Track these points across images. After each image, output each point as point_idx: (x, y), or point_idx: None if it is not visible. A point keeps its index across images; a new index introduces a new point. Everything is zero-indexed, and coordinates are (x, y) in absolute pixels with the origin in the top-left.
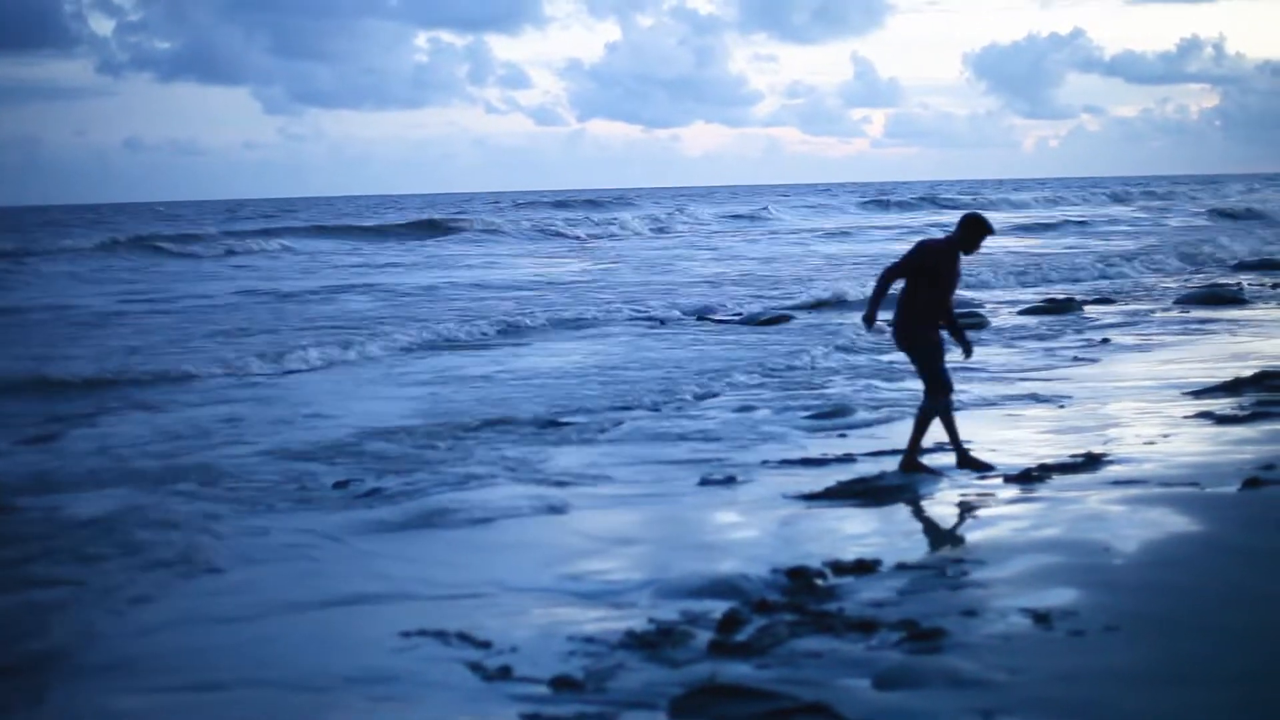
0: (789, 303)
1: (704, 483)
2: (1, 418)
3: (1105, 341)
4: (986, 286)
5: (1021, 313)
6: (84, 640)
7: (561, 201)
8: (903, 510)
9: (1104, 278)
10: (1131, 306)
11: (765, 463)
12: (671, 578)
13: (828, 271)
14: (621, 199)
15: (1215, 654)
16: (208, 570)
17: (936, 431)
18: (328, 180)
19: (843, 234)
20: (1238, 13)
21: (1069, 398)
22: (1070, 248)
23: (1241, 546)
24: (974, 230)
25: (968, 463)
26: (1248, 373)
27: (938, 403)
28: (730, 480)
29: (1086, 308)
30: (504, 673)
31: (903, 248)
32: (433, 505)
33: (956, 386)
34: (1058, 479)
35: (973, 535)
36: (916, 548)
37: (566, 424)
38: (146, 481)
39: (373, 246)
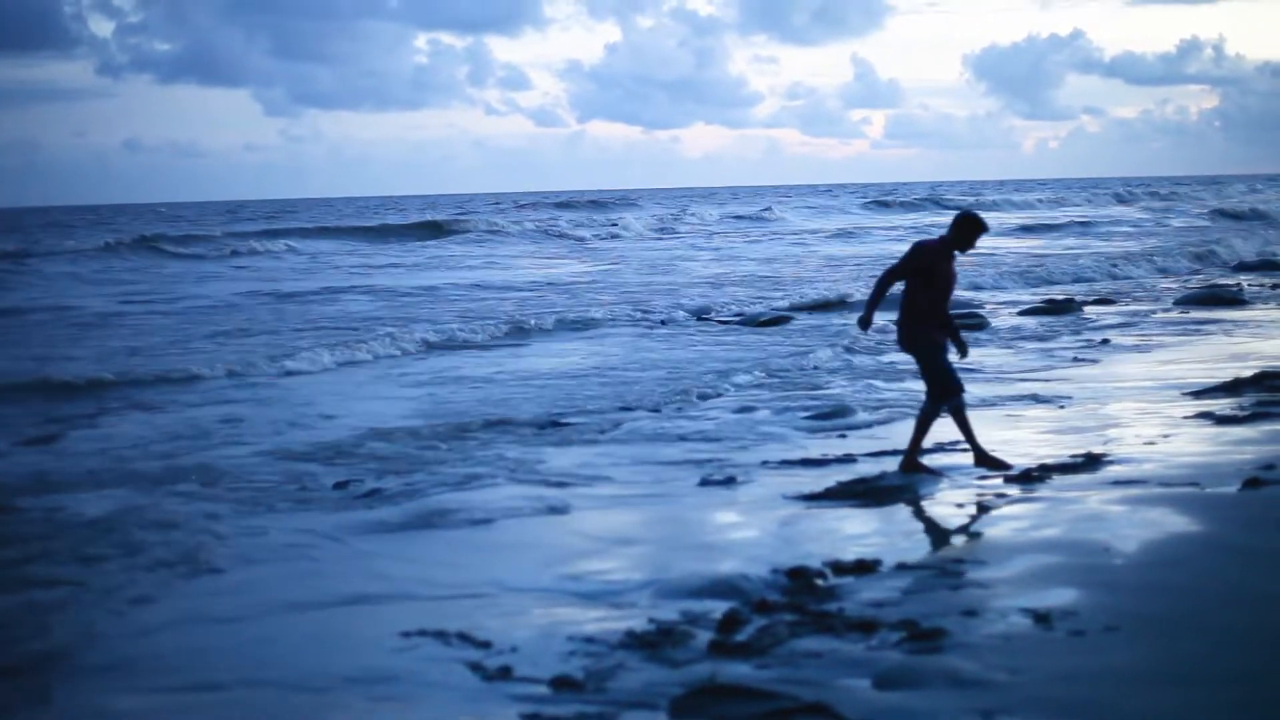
0: (790, 303)
1: (704, 483)
2: (2, 418)
3: (1105, 342)
4: (987, 287)
5: (1021, 313)
6: (84, 640)
7: (564, 202)
8: (903, 510)
9: (1111, 277)
10: (1131, 307)
11: (765, 463)
12: (672, 578)
13: (829, 272)
14: (624, 200)
15: (1215, 654)
16: (208, 570)
17: (936, 432)
18: (328, 182)
19: (848, 234)
20: (1237, 14)
21: (1069, 398)
22: (1071, 248)
23: (1241, 547)
24: (968, 229)
25: (985, 461)
26: (1248, 373)
27: (949, 403)
28: (730, 481)
29: (1086, 308)
30: (504, 673)
31: (908, 248)
32: (433, 505)
33: None
34: (1058, 479)
35: (973, 535)
36: (917, 548)
37: (567, 424)
38: (146, 482)
39: (373, 247)
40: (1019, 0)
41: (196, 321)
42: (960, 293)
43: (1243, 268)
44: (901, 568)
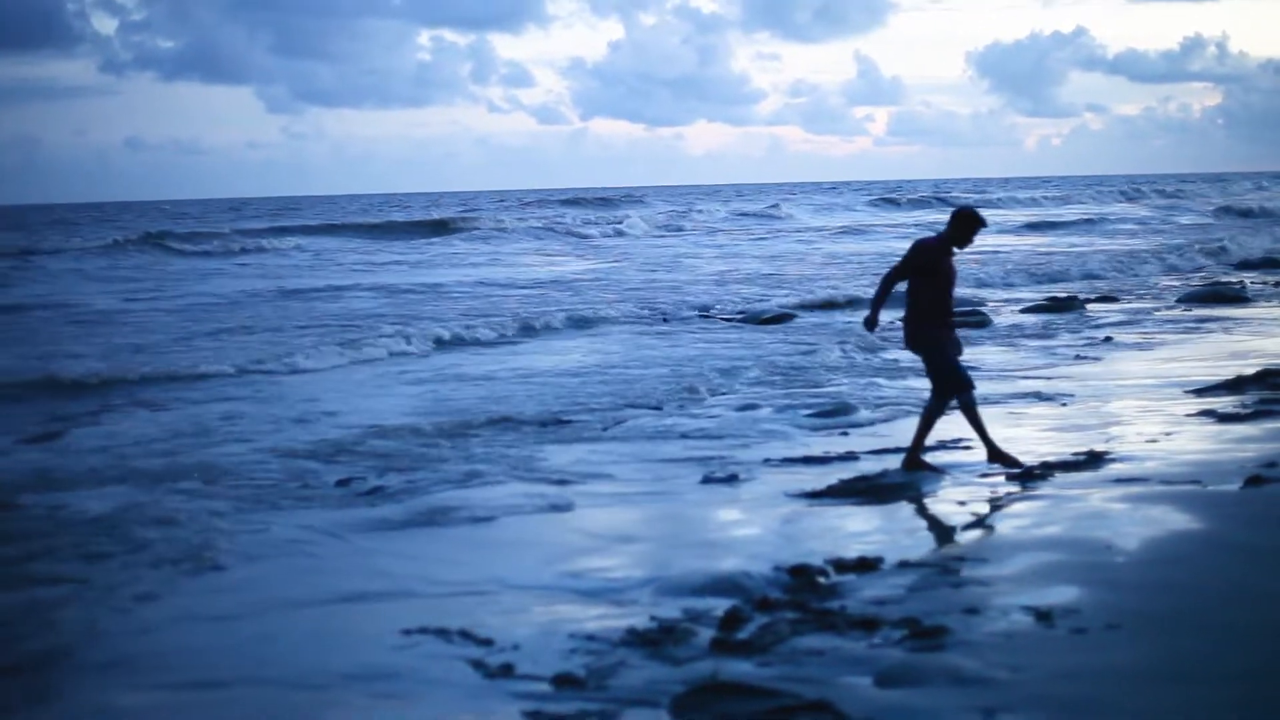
0: (795, 300)
1: (706, 481)
2: (5, 416)
3: (1108, 340)
4: (991, 285)
5: (1023, 311)
6: (86, 638)
7: (569, 200)
8: (905, 508)
9: (1118, 273)
10: (1134, 305)
11: (767, 461)
12: (673, 575)
13: (834, 270)
14: (629, 197)
15: (1217, 652)
16: (210, 568)
17: (939, 430)
18: (331, 179)
19: (853, 232)
20: (1241, 11)
21: (1071, 396)
22: (1075, 245)
23: (1243, 544)
24: (965, 225)
25: (997, 457)
26: (1250, 371)
27: (960, 399)
28: (732, 478)
29: (1089, 306)
30: (506, 670)
31: (908, 247)
32: (434, 503)
33: None
34: (1060, 477)
35: (975, 533)
36: (919, 545)
37: (568, 422)
38: (148, 479)
39: (378, 244)
40: None
41: (200, 319)
42: (965, 290)
43: (1245, 265)
44: (903, 565)
